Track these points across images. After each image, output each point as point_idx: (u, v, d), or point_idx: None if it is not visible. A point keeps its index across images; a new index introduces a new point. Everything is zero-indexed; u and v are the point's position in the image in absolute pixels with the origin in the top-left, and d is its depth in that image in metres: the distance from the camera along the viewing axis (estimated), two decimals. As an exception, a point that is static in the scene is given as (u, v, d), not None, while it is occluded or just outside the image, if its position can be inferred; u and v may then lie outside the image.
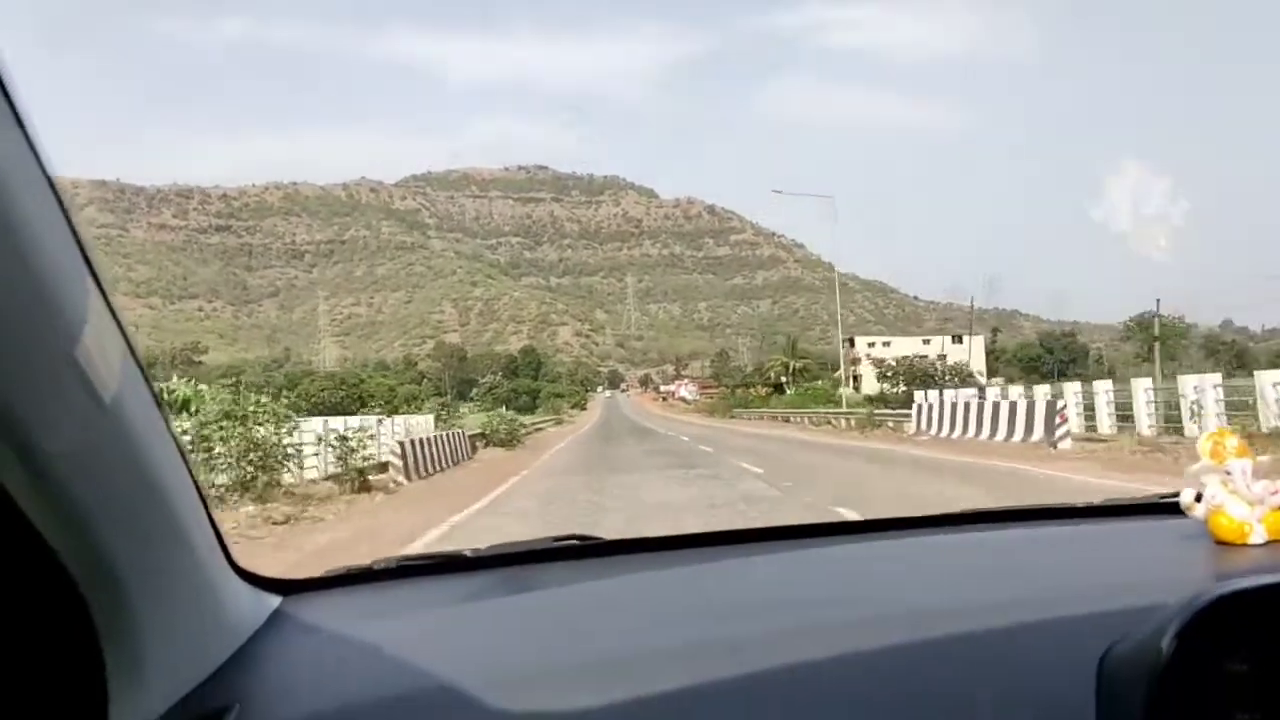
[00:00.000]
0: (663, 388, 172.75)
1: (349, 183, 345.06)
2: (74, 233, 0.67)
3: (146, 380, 0.79)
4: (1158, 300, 64.60)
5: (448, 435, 24.49)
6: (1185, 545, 1.29)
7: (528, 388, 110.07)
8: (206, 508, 0.96)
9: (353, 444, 17.30)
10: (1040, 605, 1.07)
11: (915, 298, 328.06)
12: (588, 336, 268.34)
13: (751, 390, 73.51)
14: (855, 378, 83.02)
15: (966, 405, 26.22)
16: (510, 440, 32.03)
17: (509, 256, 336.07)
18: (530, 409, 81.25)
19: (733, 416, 63.50)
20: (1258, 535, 1.24)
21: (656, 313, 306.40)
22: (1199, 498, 1.32)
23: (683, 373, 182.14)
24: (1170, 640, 0.89)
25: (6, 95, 0.59)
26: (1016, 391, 29.46)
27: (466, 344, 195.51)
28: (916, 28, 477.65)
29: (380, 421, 24.73)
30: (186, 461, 0.89)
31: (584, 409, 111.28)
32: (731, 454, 22.27)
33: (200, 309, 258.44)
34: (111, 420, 0.71)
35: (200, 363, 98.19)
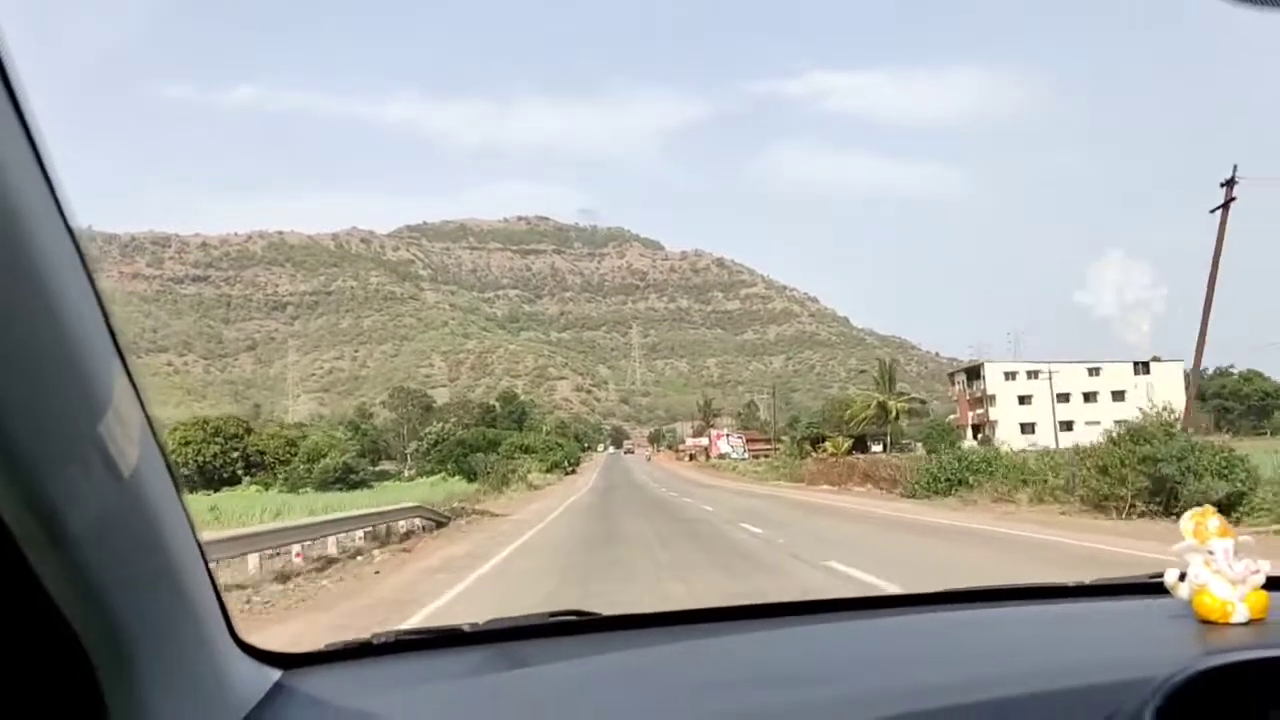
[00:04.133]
0: (689, 441, 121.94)
1: (339, 232, 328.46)
2: (101, 306, 0.69)
3: (164, 453, 0.81)
4: None
5: None
6: (1171, 624, 1.32)
7: (485, 438, 71.45)
8: (213, 581, 0.97)
9: None
10: (1033, 681, 1.07)
11: (937, 354, 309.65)
12: (589, 392, 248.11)
13: (829, 444, 50.35)
14: (977, 427, 58.52)
15: None
16: None
17: (507, 310, 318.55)
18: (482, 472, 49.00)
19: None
20: (1240, 614, 1.27)
21: (663, 369, 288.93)
22: (1183, 577, 1.34)
23: (713, 422, 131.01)
24: (1151, 715, 0.91)
25: (50, 188, 0.62)
26: None
27: (456, 399, 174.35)
28: (917, 94, 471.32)
29: None
30: (196, 535, 0.90)
31: (573, 472, 73.64)
32: None
33: (169, 363, 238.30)
34: (130, 494, 0.73)
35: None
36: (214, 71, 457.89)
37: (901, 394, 55.95)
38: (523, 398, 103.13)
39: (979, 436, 52.90)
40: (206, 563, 0.95)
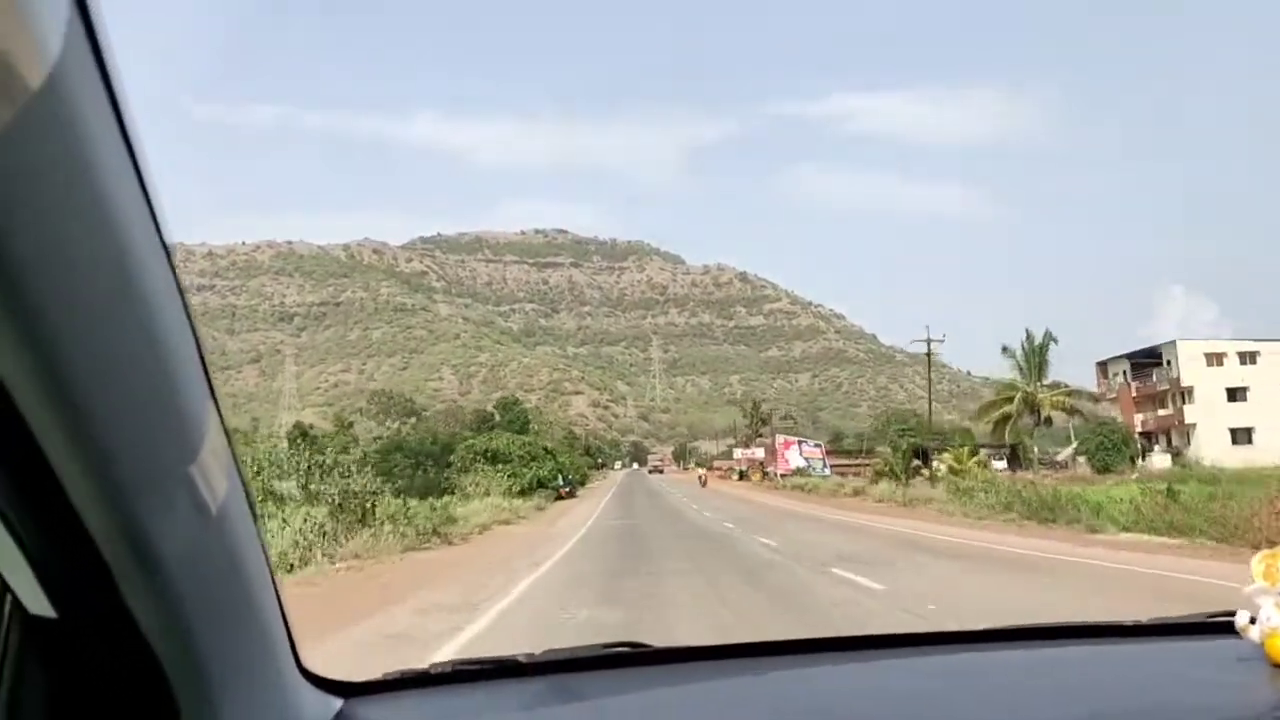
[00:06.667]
0: (738, 454, 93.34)
1: (350, 243, 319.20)
2: (197, 340, 0.71)
3: (245, 486, 0.83)
4: None
5: None
6: (1243, 668, 1.29)
7: (434, 442, 51.62)
8: (284, 611, 0.99)
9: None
10: None
11: (969, 373, 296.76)
12: (606, 408, 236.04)
13: (950, 456, 34.40)
14: (1149, 434, 42.52)
15: None
16: None
17: (523, 324, 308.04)
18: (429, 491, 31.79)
19: None
20: None
21: (684, 385, 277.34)
22: (1253, 619, 1.31)
23: (761, 430, 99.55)
24: None
25: (158, 227, 0.64)
26: None
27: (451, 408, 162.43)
28: (942, 114, 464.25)
29: None
30: (270, 565, 0.92)
31: (570, 495, 50.86)
32: None
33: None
34: (214, 529, 0.76)
35: None
36: (234, 89, 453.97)
37: (1055, 385, 37.86)
38: (515, 399, 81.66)
39: (1158, 446, 38.79)
40: (278, 591, 0.96)
